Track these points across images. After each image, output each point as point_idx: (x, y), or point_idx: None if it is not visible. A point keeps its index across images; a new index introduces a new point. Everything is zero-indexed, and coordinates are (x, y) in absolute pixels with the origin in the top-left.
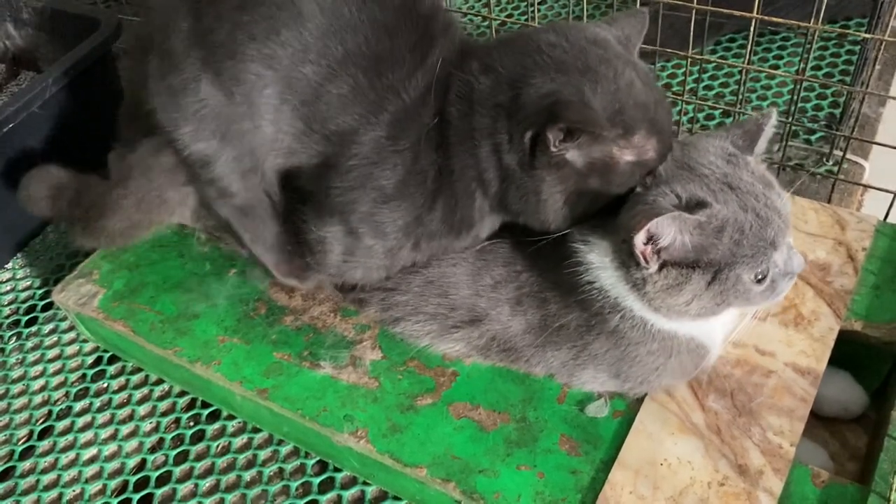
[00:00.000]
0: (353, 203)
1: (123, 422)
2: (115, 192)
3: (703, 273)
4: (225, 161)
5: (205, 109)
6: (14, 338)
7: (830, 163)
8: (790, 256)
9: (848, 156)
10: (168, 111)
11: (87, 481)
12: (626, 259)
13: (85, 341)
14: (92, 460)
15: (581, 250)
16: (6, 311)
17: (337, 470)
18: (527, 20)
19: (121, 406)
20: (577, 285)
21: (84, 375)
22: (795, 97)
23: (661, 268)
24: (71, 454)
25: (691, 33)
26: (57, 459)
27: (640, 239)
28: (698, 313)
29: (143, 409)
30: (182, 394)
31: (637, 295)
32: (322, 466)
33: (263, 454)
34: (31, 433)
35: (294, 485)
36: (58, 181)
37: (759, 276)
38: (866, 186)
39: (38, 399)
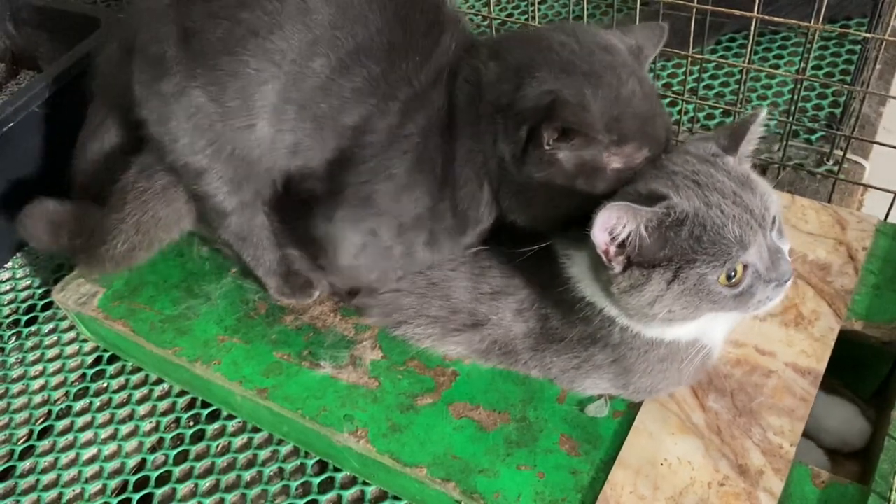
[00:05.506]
0: (368, 198)
1: (123, 421)
2: (113, 217)
3: (664, 272)
4: (217, 173)
5: (198, 115)
6: (14, 337)
7: (831, 162)
8: (774, 261)
9: (848, 155)
10: (161, 122)
11: (86, 481)
12: (599, 265)
13: (85, 341)
14: (92, 460)
15: (566, 265)
16: (6, 310)
17: (337, 470)
18: (527, 19)
19: (120, 406)
20: (574, 301)
21: (84, 375)
22: (796, 97)
23: (625, 269)
24: (71, 454)
25: (692, 33)
26: (57, 459)
27: (599, 237)
28: (667, 317)
29: (142, 409)
30: (182, 393)
31: (611, 301)
32: (322, 466)
33: (263, 454)
34: (30, 433)
35: (294, 485)
36: (55, 216)
37: (730, 278)
38: (866, 186)
39: (37, 399)
